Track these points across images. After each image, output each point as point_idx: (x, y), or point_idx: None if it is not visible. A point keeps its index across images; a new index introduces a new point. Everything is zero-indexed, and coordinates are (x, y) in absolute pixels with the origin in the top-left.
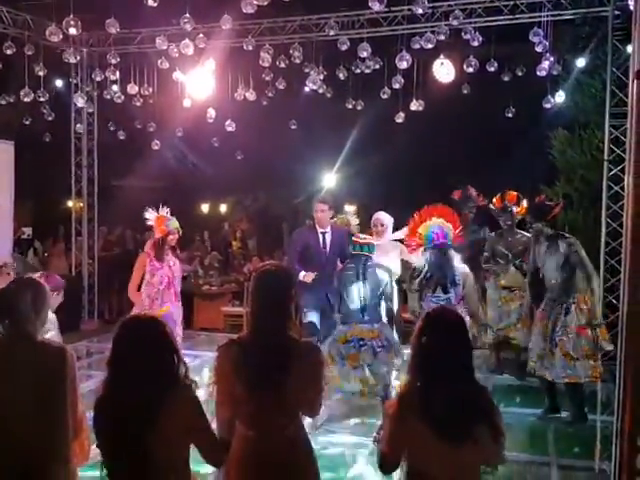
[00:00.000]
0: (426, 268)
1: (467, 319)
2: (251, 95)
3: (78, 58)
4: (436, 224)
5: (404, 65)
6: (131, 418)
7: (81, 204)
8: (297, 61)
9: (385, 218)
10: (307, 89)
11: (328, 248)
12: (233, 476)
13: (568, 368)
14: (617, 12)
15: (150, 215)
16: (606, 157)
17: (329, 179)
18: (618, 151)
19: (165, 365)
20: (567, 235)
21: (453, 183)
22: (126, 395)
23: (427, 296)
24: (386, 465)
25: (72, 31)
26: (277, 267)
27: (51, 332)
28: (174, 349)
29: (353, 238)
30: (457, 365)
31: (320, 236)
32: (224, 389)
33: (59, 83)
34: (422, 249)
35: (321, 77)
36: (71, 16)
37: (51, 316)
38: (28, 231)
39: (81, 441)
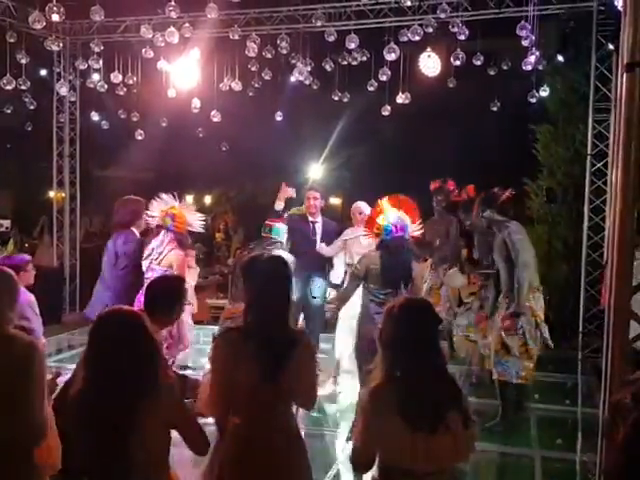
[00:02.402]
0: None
1: None
2: (237, 85)
3: (61, 46)
4: (395, 215)
5: (392, 57)
6: (110, 415)
7: (63, 194)
8: (284, 52)
9: (364, 207)
10: (293, 80)
11: (318, 238)
12: (225, 463)
13: (499, 364)
14: (601, 8)
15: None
16: (589, 152)
17: (315, 170)
18: (601, 146)
19: (144, 361)
20: (511, 222)
21: (437, 175)
22: (103, 392)
23: (373, 290)
24: (360, 463)
25: (55, 17)
26: (275, 256)
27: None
28: (153, 344)
29: (266, 221)
30: (429, 355)
31: (310, 225)
32: (222, 378)
33: (42, 72)
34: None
35: (308, 68)
36: (54, 2)
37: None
38: (6, 223)
39: (48, 445)
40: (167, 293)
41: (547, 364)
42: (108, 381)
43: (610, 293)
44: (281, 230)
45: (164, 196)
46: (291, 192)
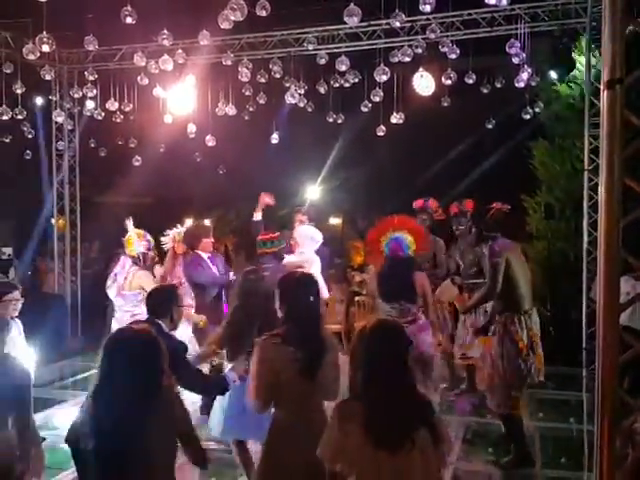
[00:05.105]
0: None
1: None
2: (231, 110)
3: (54, 75)
4: (395, 235)
5: (384, 79)
6: (118, 425)
7: (63, 221)
8: (277, 76)
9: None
10: (288, 103)
11: None
12: (274, 454)
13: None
14: (594, 23)
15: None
16: (586, 167)
17: (312, 192)
18: (598, 161)
19: (150, 376)
20: (500, 239)
21: (433, 193)
22: (113, 403)
23: (383, 305)
24: (331, 475)
25: (45, 48)
26: (307, 274)
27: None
28: (159, 361)
29: (260, 237)
30: (397, 374)
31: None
32: (266, 377)
33: (40, 101)
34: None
35: (301, 91)
36: (44, 33)
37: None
38: (8, 251)
39: None
40: (162, 297)
41: (550, 381)
42: (114, 395)
43: (599, 310)
44: (277, 241)
45: (127, 222)
46: (269, 200)
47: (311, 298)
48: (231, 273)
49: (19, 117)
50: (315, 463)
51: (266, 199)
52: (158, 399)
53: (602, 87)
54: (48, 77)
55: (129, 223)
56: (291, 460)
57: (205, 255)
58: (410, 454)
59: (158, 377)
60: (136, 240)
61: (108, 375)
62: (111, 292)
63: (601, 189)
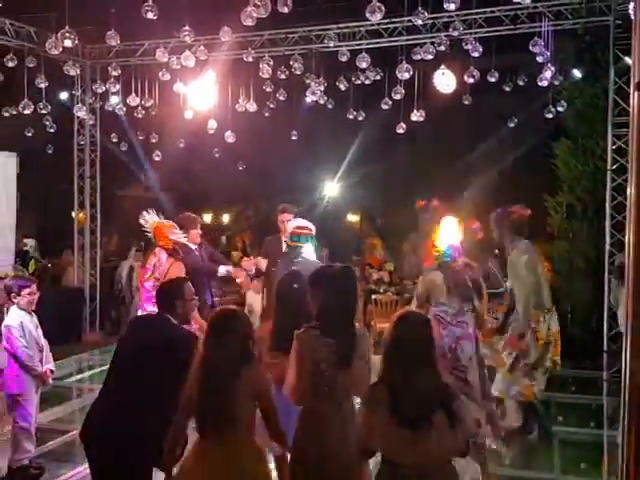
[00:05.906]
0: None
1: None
2: (252, 106)
3: (79, 71)
4: (453, 238)
5: (406, 76)
6: (221, 375)
7: (83, 215)
8: (298, 72)
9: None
10: (308, 100)
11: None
12: (301, 441)
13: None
14: (618, 21)
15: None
16: (609, 167)
17: (331, 189)
18: (621, 161)
19: (246, 346)
20: (520, 242)
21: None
22: (218, 360)
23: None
24: (361, 451)
25: (67, 43)
26: (346, 267)
27: None
28: (252, 336)
29: (293, 229)
30: (420, 360)
31: (284, 245)
32: (305, 366)
33: (64, 95)
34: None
35: (321, 88)
36: (66, 27)
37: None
38: (30, 242)
39: None
40: (165, 292)
41: (570, 385)
42: (220, 355)
43: (627, 317)
44: (309, 238)
45: (145, 213)
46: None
47: (344, 292)
48: (231, 268)
49: (43, 112)
50: (342, 450)
51: (250, 264)
52: (249, 368)
53: (632, 89)
54: (72, 72)
55: (150, 216)
56: (320, 446)
57: (193, 246)
58: (429, 433)
59: (251, 346)
60: (168, 230)
61: (212, 347)
62: (148, 285)
63: (630, 189)
